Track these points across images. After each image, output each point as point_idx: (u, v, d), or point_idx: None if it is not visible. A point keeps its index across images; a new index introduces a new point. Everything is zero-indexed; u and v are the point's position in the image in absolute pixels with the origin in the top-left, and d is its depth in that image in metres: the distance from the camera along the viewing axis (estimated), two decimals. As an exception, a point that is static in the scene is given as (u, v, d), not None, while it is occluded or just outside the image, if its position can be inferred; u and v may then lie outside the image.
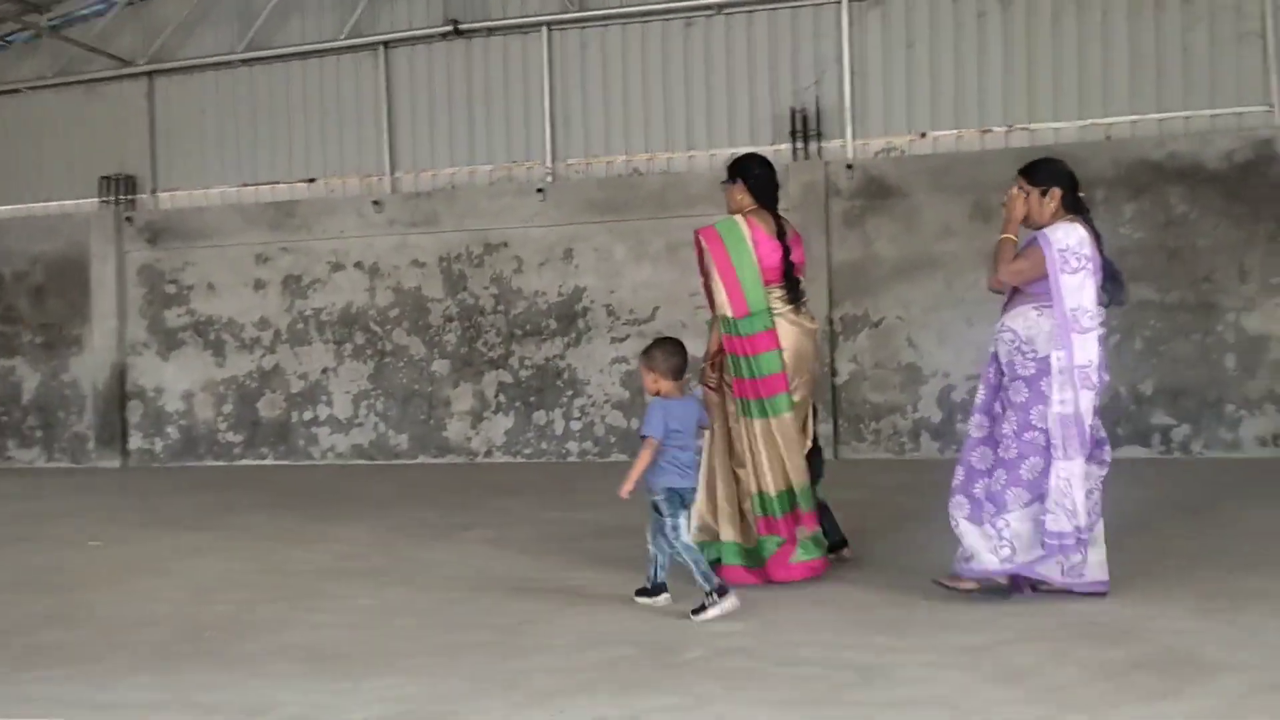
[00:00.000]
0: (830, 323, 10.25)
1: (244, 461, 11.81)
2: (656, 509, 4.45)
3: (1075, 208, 4.59)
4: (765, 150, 10.59)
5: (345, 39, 11.71)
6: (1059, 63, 10.13)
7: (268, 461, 11.73)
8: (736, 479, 4.91)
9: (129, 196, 12.39)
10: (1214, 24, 9.82)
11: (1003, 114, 10.25)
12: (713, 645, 3.94)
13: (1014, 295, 4.57)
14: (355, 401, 11.56)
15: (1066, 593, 4.41)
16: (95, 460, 12.23)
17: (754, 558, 4.86)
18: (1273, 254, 9.47)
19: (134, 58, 12.31)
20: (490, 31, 11.40)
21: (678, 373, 4.52)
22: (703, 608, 4.27)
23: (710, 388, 4.99)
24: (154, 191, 12.42)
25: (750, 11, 10.80)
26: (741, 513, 4.90)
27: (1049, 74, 10.15)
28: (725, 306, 4.90)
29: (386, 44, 11.66)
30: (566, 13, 11.15)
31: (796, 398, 4.96)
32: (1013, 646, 3.78)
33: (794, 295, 5.04)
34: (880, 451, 10.22)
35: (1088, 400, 4.31)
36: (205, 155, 12.32)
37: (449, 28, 11.34)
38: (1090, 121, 10.07)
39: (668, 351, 4.55)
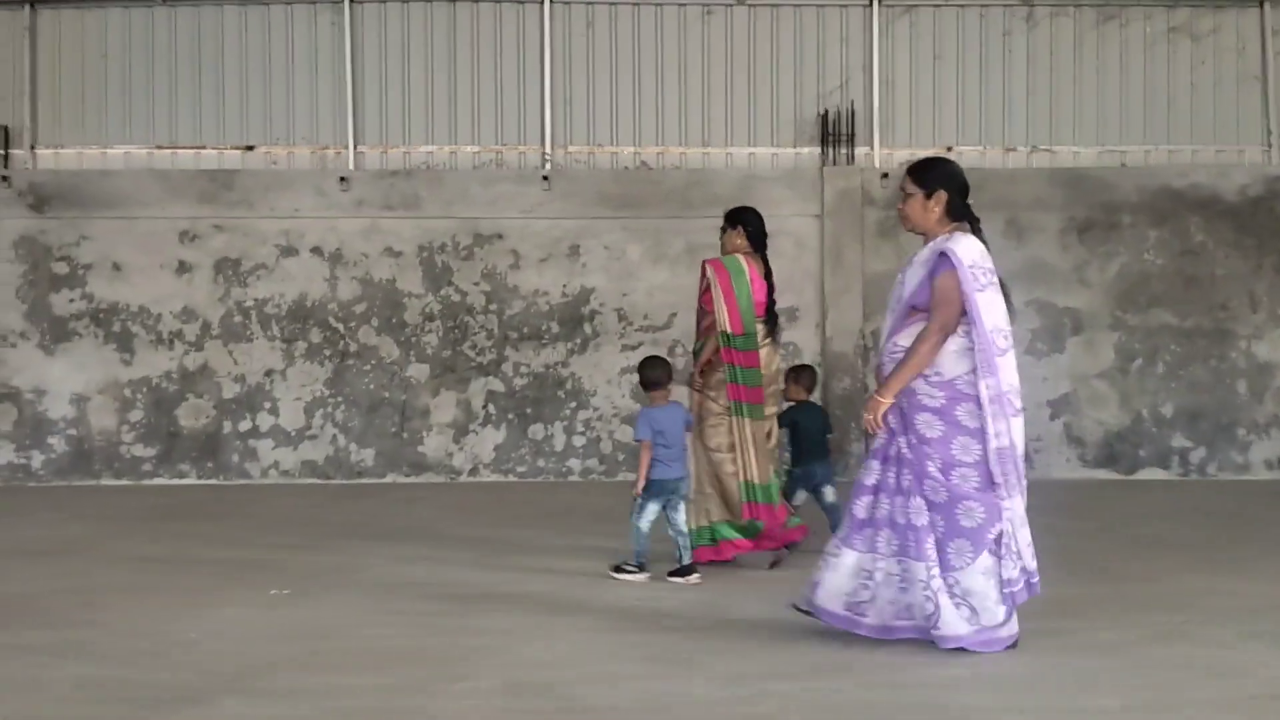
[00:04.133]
0: (862, 335, 9.82)
1: (157, 480, 9.71)
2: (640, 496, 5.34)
3: (963, 214, 4.20)
4: (788, 153, 10.14)
5: (304, -12, 10.07)
6: (1080, 88, 10.25)
7: (189, 480, 9.71)
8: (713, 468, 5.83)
9: (1, 151, 10.00)
10: (1219, 65, 10.27)
11: (1026, 134, 10.24)
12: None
13: (911, 311, 4.15)
14: (308, 410, 9.82)
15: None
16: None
17: (748, 530, 5.79)
18: (1278, 286, 9.97)
19: (12, -19, 10.02)
20: (483, -4, 10.16)
21: (654, 384, 5.50)
22: (681, 571, 5.32)
23: (697, 390, 5.96)
24: (33, 147, 10.09)
25: (775, 6, 10.22)
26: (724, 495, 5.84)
27: (1070, 98, 10.25)
28: (727, 325, 5.82)
29: (353, -1, 10.12)
30: (573, -15, 10.13)
31: (767, 411, 5.95)
32: None
33: (771, 328, 6.07)
34: (910, 472, 9.83)
35: (1020, 428, 4.00)
36: (107, 109, 10.15)
37: (436, -12, 10.01)
38: (1107, 148, 10.25)
39: (643, 367, 5.66)
